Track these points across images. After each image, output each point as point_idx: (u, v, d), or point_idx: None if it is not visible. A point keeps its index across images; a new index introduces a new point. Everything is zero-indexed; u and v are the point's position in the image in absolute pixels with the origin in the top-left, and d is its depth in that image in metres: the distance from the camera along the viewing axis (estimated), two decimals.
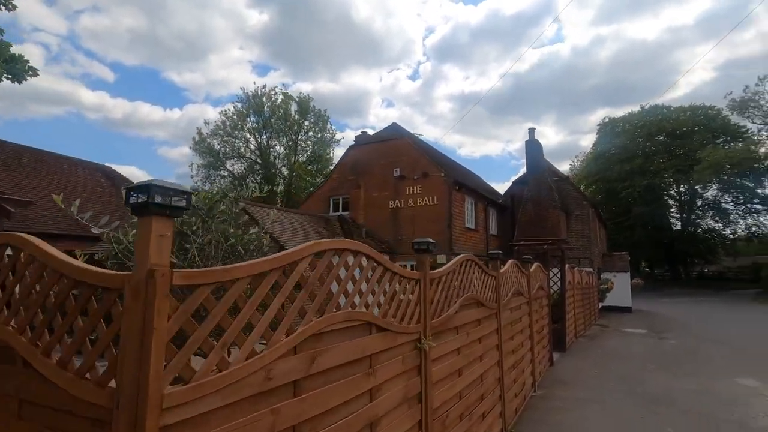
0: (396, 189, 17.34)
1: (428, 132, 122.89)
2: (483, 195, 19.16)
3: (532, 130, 21.42)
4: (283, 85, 57.40)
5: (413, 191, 16.87)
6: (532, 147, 21.63)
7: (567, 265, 11.42)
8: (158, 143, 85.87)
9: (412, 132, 25.82)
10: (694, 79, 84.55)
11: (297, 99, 41.39)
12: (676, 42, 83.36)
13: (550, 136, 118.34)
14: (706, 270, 55.00)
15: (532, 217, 21.03)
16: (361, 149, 19.15)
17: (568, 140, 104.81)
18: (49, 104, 65.36)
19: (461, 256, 4.28)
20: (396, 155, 17.63)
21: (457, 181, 16.38)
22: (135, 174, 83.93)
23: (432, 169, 16.58)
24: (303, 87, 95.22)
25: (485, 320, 4.85)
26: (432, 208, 16.30)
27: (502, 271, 5.62)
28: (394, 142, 18.15)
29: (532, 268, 7.51)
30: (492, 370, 4.93)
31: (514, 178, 22.68)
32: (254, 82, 67.69)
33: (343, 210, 18.85)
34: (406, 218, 16.92)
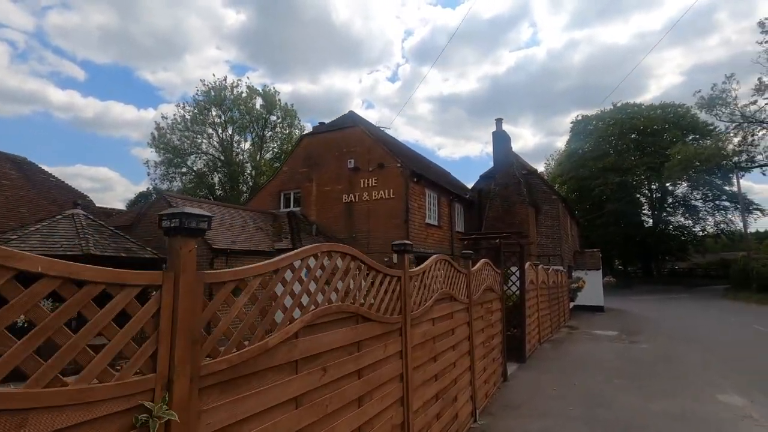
0: (350, 182, 15.83)
1: (408, 133, 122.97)
2: (447, 189, 17.84)
3: (499, 121, 20.26)
4: (264, 85, 55.15)
5: (368, 184, 15.39)
6: (500, 139, 20.47)
7: (528, 263, 10.12)
8: (132, 144, 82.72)
9: (376, 125, 24.37)
10: (663, 82, 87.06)
11: (262, 92, 39.41)
12: (645, 47, 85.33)
13: (527, 138, 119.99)
14: (676, 267, 55.56)
15: (499, 212, 19.87)
16: (314, 139, 17.56)
17: (545, 142, 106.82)
18: (15, 103, 62.35)
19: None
20: (350, 145, 16.12)
21: (415, 172, 14.97)
22: (108, 175, 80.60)
23: (388, 160, 15.13)
24: (282, 88, 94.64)
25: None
26: (388, 202, 14.85)
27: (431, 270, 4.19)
28: (347, 131, 16.62)
29: (476, 266, 6.11)
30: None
31: (482, 173, 21.48)
32: (213, 74, 65.88)
33: (296, 206, 17.22)
34: (361, 214, 15.43)
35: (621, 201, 44.07)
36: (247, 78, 72.55)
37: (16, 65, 63.99)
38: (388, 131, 26.16)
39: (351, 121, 16.82)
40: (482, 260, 6.53)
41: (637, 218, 48.52)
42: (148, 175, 38.90)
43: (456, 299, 5.15)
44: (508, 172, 19.53)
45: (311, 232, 15.41)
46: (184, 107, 37.79)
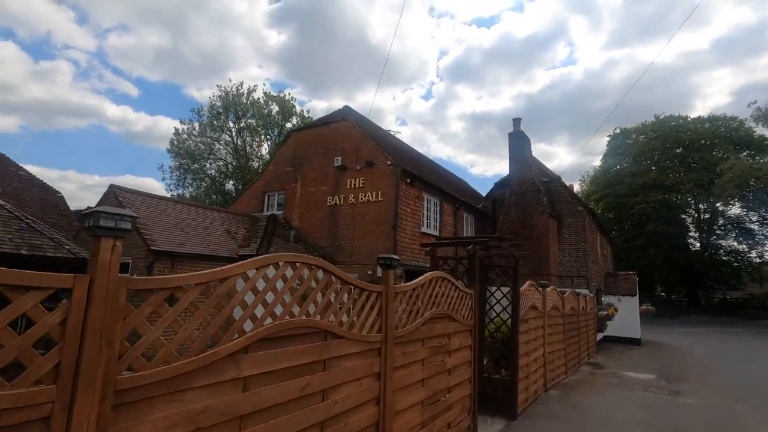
0: (336, 182, 13.86)
1: (440, 150, 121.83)
2: (452, 195, 15.54)
3: (517, 121, 17.84)
4: (280, 91, 55.36)
5: (355, 185, 13.37)
6: (517, 141, 17.98)
7: (530, 282, 7.68)
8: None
9: (386, 129, 22.54)
10: (710, 103, 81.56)
11: (277, 98, 38.57)
12: (691, 66, 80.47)
13: (562, 157, 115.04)
14: (728, 296, 49.73)
15: (514, 224, 17.25)
16: (302, 135, 15.80)
17: (581, 162, 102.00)
18: (75, 117, 67.63)
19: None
20: (337, 141, 14.21)
21: (408, 171, 12.82)
22: (153, 185, 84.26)
23: (377, 157, 13.08)
24: (318, 104, 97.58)
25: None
26: (376, 205, 12.75)
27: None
28: (336, 125, 14.75)
29: (414, 282, 3.92)
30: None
31: (497, 180, 19.04)
32: (230, 79, 67.67)
33: (280, 208, 15.41)
34: (346, 219, 13.38)
35: (663, 221, 39.84)
36: (264, 84, 74.00)
37: (78, 83, 70.19)
38: (398, 135, 24.25)
39: (341, 115, 14.94)
40: (430, 273, 4.30)
41: (682, 240, 43.85)
42: (163, 180, 38.65)
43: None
44: (526, 179, 16.98)
45: (289, 238, 13.48)
46: (200, 111, 37.34)
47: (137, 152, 75.05)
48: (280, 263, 2.48)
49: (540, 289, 8.45)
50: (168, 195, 41.01)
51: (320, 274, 2.82)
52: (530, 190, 16.73)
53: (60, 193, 15.39)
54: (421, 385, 3.96)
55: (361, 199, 13.03)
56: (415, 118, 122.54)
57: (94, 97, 71.22)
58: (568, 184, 20.38)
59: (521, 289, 7.09)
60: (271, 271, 2.37)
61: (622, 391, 9.13)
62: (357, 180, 13.25)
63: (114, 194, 11.00)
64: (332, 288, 2.89)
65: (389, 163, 12.67)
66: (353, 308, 3.18)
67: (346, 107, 15.96)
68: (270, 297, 2.43)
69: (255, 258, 2.28)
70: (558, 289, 10.57)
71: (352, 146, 13.69)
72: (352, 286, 3.09)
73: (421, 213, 13.69)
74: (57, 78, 67.83)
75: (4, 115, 63.77)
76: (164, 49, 66.07)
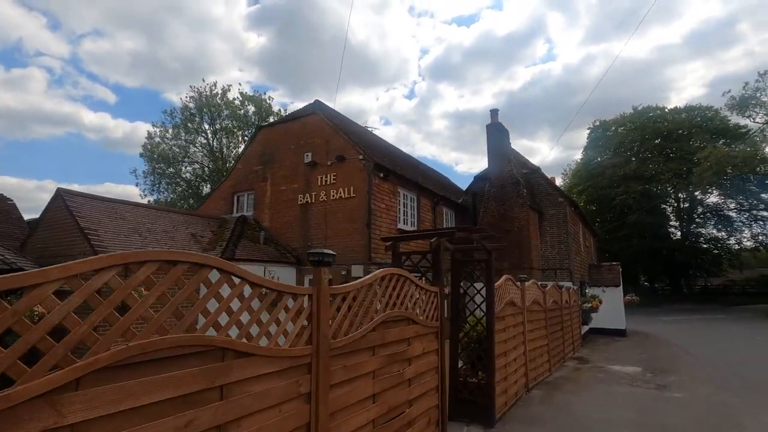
0: (307, 180, 13.19)
1: (425, 149, 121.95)
2: (429, 189, 15.00)
3: (494, 112, 17.41)
4: (255, 91, 54.00)
5: (326, 181, 12.72)
6: (495, 133, 17.55)
7: (506, 277, 7.16)
8: None
9: (365, 126, 21.98)
10: (684, 95, 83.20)
11: (253, 98, 37.60)
12: (664, 59, 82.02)
13: (545, 152, 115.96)
14: (709, 283, 50.48)
15: (494, 217, 16.79)
16: (270, 132, 15.07)
17: (563, 156, 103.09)
18: (50, 125, 65.48)
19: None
20: (307, 136, 13.55)
21: (381, 165, 12.23)
22: (134, 192, 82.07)
23: (348, 152, 12.45)
24: (301, 106, 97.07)
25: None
26: (348, 202, 12.12)
27: None
28: (305, 119, 14.07)
29: (362, 283, 3.34)
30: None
31: (477, 174, 18.59)
32: (203, 80, 66.66)
33: (250, 209, 14.66)
34: (318, 217, 12.73)
35: (645, 211, 40.11)
36: (240, 85, 72.74)
37: (53, 90, 68.48)
38: (376, 131, 23.67)
39: (311, 109, 14.25)
40: (381, 270, 3.72)
41: (663, 230, 44.27)
42: (137, 185, 37.35)
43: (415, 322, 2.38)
44: (505, 171, 16.56)
45: (258, 239, 12.76)
46: (172, 113, 36.16)
47: (117, 159, 73.29)
48: (147, 261, 1.90)
49: (518, 283, 7.95)
50: (144, 201, 39.76)
51: (214, 275, 2.19)
52: (510, 182, 16.31)
53: (11, 200, 14.38)
54: (371, 402, 3.37)
55: (333, 196, 12.39)
56: (399, 118, 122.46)
57: (69, 104, 69.40)
58: (549, 177, 20.07)
59: (497, 284, 6.56)
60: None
61: (608, 386, 8.69)
62: (328, 176, 12.61)
63: (61, 198, 10.14)
64: (234, 293, 2.27)
65: (361, 157, 12.06)
66: (274, 316, 2.57)
67: (317, 101, 15.28)
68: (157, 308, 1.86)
69: (89, 259, 1.67)
70: (539, 283, 10.12)
71: (323, 141, 13.04)
72: (264, 289, 2.48)
73: (397, 209, 13.11)
74: (30, 86, 65.60)
75: None
76: (141, 54, 64.48)
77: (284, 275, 12.00)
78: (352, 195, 12.09)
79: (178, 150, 37.19)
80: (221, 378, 2.11)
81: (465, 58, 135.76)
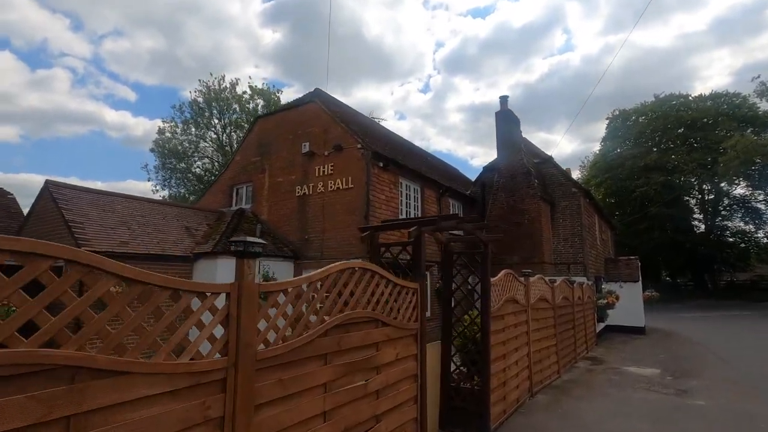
0: (305, 170, 12.68)
1: (441, 143, 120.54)
2: (434, 180, 14.32)
3: (504, 99, 16.58)
4: (264, 84, 53.67)
5: (324, 172, 12.18)
6: (504, 120, 16.71)
7: (506, 271, 6.49)
8: None
9: (370, 116, 21.39)
10: (710, 84, 79.73)
11: (262, 92, 37.32)
12: (689, 48, 78.41)
13: (563, 145, 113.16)
14: (735, 279, 48.34)
15: (504, 209, 16.03)
16: (268, 121, 14.60)
17: (582, 149, 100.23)
18: (74, 124, 67.03)
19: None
20: (305, 125, 13.01)
21: (380, 154, 11.60)
22: (148, 188, 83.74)
23: (347, 140, 11.86)
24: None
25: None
26: (346, 193, 11.56)
27: None
28: (303, 108, 13.52)
29: (308, 279, 2.77)
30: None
31: (486, 164, 17.79)
32: (211, 74, 66.85)
33: (249, 201, 14.24)
34: (316, 209, 12.21)
35: (666, 203, 38.49)
36: (249, 78, 72.90)
37: (77, 89, 69.82)
38: (383, 122, 23.02)
39: (310, 97, 13.69)
40: (339, 264, 3.14)
41: (686, 223, 42.47)
42: (149, 180, 37.57)
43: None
44: (515, 161, 15.75)
45: (255, 232, 12.34)
46: (181, 108, 36.15)
47: (138, 157, 74.65)
48: None
49: (522, 278, 7.27)
50: (157, 196, 40.07)
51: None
52: (520, 172, 15.51)
53: (11, 194, 14.31)
54: (321, 421, 2.81)
55: (331, 187, 11.85)
56: (414, 112, 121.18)
57: (92, 103, 70.80)
58: (565, 168, 19.11)
59: (494, 279, 5.92)
60: None
61: (623, 391, 7.97)
62: (326, 166, 12.07)
63: (48, 191, 9.86)
64: (98, 290, 1.73)
65: (359, 146, 11.46)
66: (176, 322, 2.02)
67: (317, 89, 14.73)
68: None
69: None
70: (547, 278, 9.41)
71: (320, 130, 12.49)
72: (152, 286, 1.92)
73: (399, 200, 12.50)
74: (54, 86, 67.28)
75: (3, 125, 63.59)
76: (159, 52, 65.15)
77: (280, 270, 11.55)
78: (350, 186, 11.52)
79: (188, 145, 37.21)
80: (67, 406, 1.57)
81: (481, 50, 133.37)
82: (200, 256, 10.61)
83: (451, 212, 16.05)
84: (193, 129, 37.54)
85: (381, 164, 11.66)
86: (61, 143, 71.56)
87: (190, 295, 2.08)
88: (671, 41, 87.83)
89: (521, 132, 17.01)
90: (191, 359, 2.03)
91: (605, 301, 15.46)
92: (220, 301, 2.26)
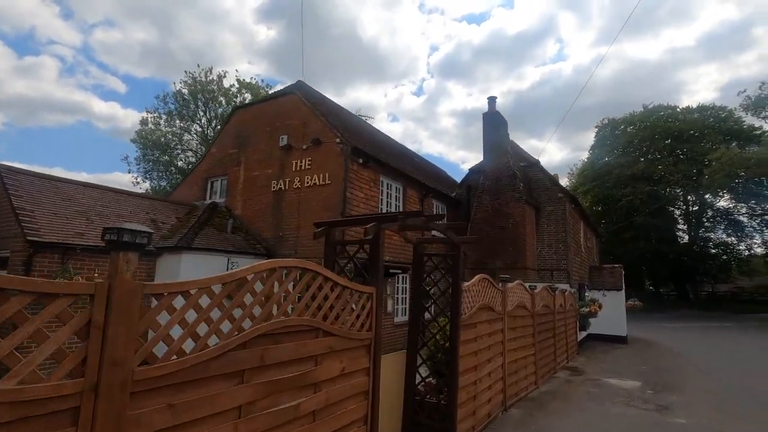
0: (282, 164, 12.13)
1: (432, 147, 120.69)
2: (417, 180, 13.87)
3: (492, 100, 16.23)
4: (252, 78, 52.56)
5: (301, 166, 11.64)
6: (491, 122, 16.34)
7: (481, 276, 6.05)
8: None
9: (356, 113, 20.92)
10: (697, 98, 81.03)
11: (250, 85, 36.57)
12: (677, 62, 79.70)
13: (552, 153, 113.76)
14: (716, 290, 48.88)
15: (488, 212, 15.67)
16: (246, 112, 14.01)
17: (571, 157, 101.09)
18: (61, 113, 65.26)
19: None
20: (284, 117, 12.46)
21: (360, 150, 11.11)
22: (127, 180, 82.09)
23: (326, 134, 11.35)
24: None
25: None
26: (323, 189, 11.04)
27: None
28: (282, 99, 12.98)
29: (220, 280, 2.25)
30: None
31: (472, 166, 17.41)
32: (198, 65, 66.04)
33: (223, 195, 13.63)
34: (292, 205, 11.67)
35: (651, 213, 38.69)
36: (236, 71, 71.99)
37: (65, 78, 67.78)
38: (370, 120, 22.56)
39: (291, 89, 13.13)
40: (267, 261, 2.66)
41: (670, 233, 42.81)
42: (129, 172, 36.51)
43: None
44: (501, 163, 15.40)
45: (226, 228, 11.73)
46: (165, 99, 35.22)
47: (126, 149, 72.94)
48: None
49: (499, 284, 6.84)
50: (138, 189, 38.97)
51: None
52: (505, 175, 15.15)
53: None
54: None
55: (308, 182, 11.31)
56: (407, 115, 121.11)
57: (80, 93, 69.17)
58: (552, 174, 18.79)
59: (467, 284, 5.47)
60: None
61: (601, 405, 7.58)
62: (303, 161, 11.54)
63: (1, 177, 9.15)
64: None
65: (338, 140, 10.96)
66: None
67: (299, 81, 14.18)
68: None
69: None
70: (528, 285, 9.00)
71: (299, 123, 11.96)
72: None
73: (379, 199, 12.01)
74: (42, 73, 65.46)
75: None
76: (151, 44, 64.00)
77: None
78: (327, 182, 11.00)
79: (171, 137, 36.28)
80: None
81: (475, 56, 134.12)
82: (164, 251, 9.98)
83: (435, 214, 15.62)
84: (178, 121, 36.63)
85: (360, 161, 11.17)
86: (47, 132, 69.71)
87: (27, 296, 1.56)
88: (661, 55, 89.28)
89: (509, 135, 16.69)
90: (20, 383, 1.50)
91: (588, 310, 15.18)
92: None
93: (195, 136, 37.21)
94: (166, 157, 37.23)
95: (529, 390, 8.04)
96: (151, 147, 35.85)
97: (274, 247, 11.69)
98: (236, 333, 2.36)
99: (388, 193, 12.73)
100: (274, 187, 12.04)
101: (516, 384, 7.37)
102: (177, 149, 36.54)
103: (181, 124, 36.45)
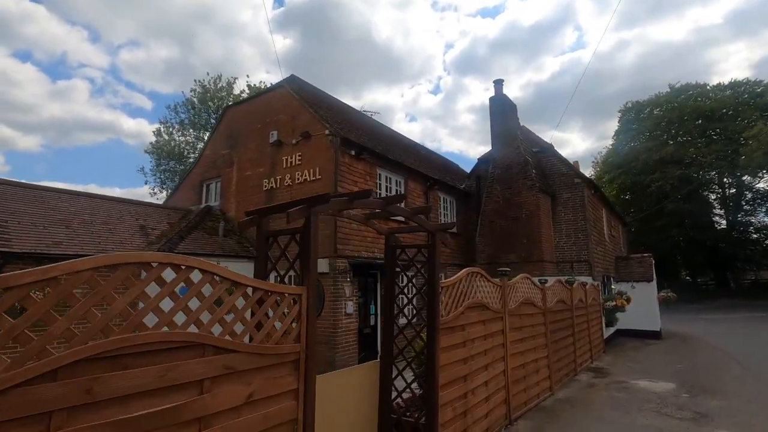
0: (273, 162, 11.52)
1: (452, 144, 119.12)
2: (420, 172, 13.01)
3: (498, 83, 15.22)
4: (261, 81, 52.94)
5: (291, 162, 10.99)
6: (499, 107, 15.31)
7: (469, 270, 5.18)
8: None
9: (361, 110, 20.27)
10: (727, 78, 76.21)
11: (260, 91, 36.41)
12: (704, 41, 75.15)
13: (576, 143, 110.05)
14: (760, 277, 45.58)
15: (500, 203, 14.65)
16: (237, 110, 13.49)
17: (596, 146, 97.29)
18: (93, 132, 68.57)
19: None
20: (274, 113, 11.85)
21: (351, 141, 10.35)
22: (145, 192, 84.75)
23: (315, 127, 10.65)
24: None
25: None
26: (314, 185, 10.34)
27: None
28: (271, 94, 12.38)
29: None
30: None
31: (481, 156, 16.38)
32: (207, 73, 66.89)
33: (218, 198, 13.15)
34: None
35: (684, 198, 36.39)
36: (247, 76, 72.24)
37: (95, 99, 70.95)
38: (375, 115, 21.79)
39: (281, 83, 12.50)
40: (120, 255, 1.93)
41: (706, 219, 40.16)
42: (146, 183, 37.01)
43: None
44: (511, 150, 14.36)
45: (217, 231, 11.21)
46: (176, 109, 35.51)
47: (148, 162, 75.48)
48: None
49: (496, 279, 5.94)
50: (154, 199, 39.48)
51: None
52: (516, 162, 14.11)
53: None
54: None
55: (298, 179, 10.65)
56: (425, 114, 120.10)
57: (110, 112, 72.56)
58: (573, 162, 17.46)
59: (447, 281, 4.63)
60: None
61: (627, 414, 6.55)
62: (293, 156, 10.88)
63: None
64: None
65: (327, 132, 10.25)
66: None
67: (292, 75, 13.55)
68: None
69: None
70: (545, 278, 8.03)
71: (288, 117, 11.32)
72: None
73: (376, 192, 11.24)
74: (74, 96, 68.75)
75: (25, 135, 65.20)
76: (174, 61, 66.35)
77: (244, 272, 10.35)
78: (317, 177, 10.31)
79: (185, 146, 36.55)
80: None
81: (491, 50, 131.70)
82: None
83: (442, 207, 14.72)
84: (191, 130, 36.91)
85: (352, 152, 10.42)
86: (81, 151, 72.88)
87: None
88: (686, 35, 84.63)
89: (518, 120, 15.61)
90: None
91: (614, 304, 13.93)
92: None
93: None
94: (182, 166, 37.58)
95: (541, 397, 7.08)
96: (165, 157, 36.22)
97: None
98: (34, 360, 1.64)
99: (387, 186, 11.94)
100: (265, 186, 11.44)
101: (524, 392, 6.44)
102: (191, 157, 36.78)
103: (195, 133, 36.69)
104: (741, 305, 30.45)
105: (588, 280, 12.81)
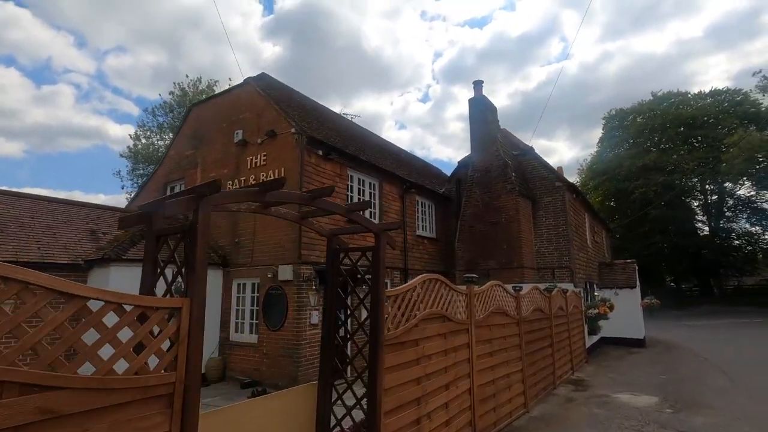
0: (237, 162, 10.86)
1: (441, 152, 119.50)
2: (395, 175, 12.46)
3: (478, 84, 14.81)
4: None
5: (256, 163, 10.36)
6: (478, 108, 14.90)
7: (423, 277, 4.60)
8: None
9: (341, 113, 19.73)
10: (708, 88, 77.65)
11: None
12: (685, 54, 76.82)
13: (563, 152, 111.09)
14: (742, 283, 45.90)
15: (479, 207, 14.16)
16: (203, 108, 12.84)
17: (581, 155, 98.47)
18: (78, 138, 66.82)
19: None
20: (239, 111, 11.22)
21: (318, 140, 9.76)
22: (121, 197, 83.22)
23: (281, 125, 10.04)
24: None
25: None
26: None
27: None
28: (238, 91, 11.76)
29: None
30: None
31: (461, 159, 15.92)
32: (186, 75, 65.62)
33: None
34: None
35: (667, 205, 36.52)
36: (229, 79, 72.17)
37: (81, 105, 69.42)
38: (355, 119, 21.28)
39: (248, 80, 11.87)
40: None
41: (689, 226, 40.38)
42: (123, 188, 35.87)
43: None
44: (491, 152, 13.91)
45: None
46: (154, 112, 34.59)
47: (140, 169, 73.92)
48: None
49: (462, 287, 5.36)
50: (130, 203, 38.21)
51: None
52: (496, 165, 13.65)
53: None
54: None
55: (263, 180, 10.02)
56: (414, 122, 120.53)
57: (96, 117, 70.54)
58: (556, 168, 17.10)
59: (401, 288, 4.04)
60: None
61: None
62: (258, 157, 10.26)
63: None
64: None
65: (293, 130, 9.66)
66: None
67: (262, 73, 12.97)
68: None
69: None
70: (512, 286, 7.49)
71: (254, 115, 10.70)
72: None
73: (347, 195, 10.63)
74: (59, 101, 67.08)
75: (8, 141, 63.17)
76: (161, 67, 65.15)
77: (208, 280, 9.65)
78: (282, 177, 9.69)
79: (164, 150, 35.56)
80: None
81: (479, 59, 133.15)
82: (93, 264, 8.75)
83: (420, 212, 14.18)
84: (170, 133, 35.96)
85: (320, 152, 9.82)
86: (66, 157, 71.04)
87: None
88: (668, 47, 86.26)
89: (498, 122, 15.21)
90: None
91: (596, 311, 13.49)
92: None
93: None
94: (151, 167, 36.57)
95: (513, 416, 6.49)
96: (143, 161, 35.18)
97: (231, 255, 10.39)
98: None
99: (360, 189, 11.36)
100: (229, 189, 10.75)
101: (494, 411, 5.85)
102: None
103: (173, 136, 35.79)
104: (724, 311, 30.43)
105: (569, 286, 12.35)
